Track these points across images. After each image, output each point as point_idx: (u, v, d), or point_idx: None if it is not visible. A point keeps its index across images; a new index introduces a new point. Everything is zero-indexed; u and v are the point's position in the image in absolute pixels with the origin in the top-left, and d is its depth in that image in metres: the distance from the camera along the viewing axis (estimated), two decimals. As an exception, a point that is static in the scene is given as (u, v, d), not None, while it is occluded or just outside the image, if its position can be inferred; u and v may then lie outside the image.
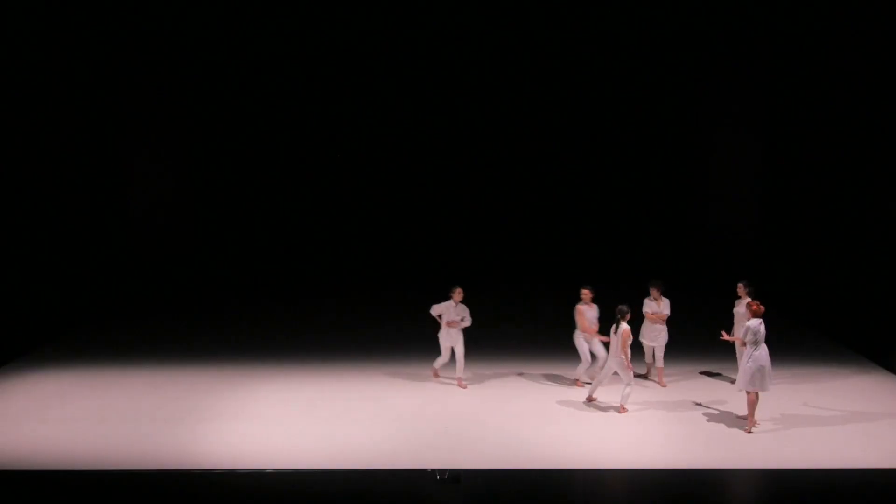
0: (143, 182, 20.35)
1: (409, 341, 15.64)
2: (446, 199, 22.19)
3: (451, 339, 13.14)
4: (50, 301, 16.06)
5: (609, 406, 12.27)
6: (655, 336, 13.18)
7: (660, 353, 13.24)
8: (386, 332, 16.41)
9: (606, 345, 12.46)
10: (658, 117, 21.58)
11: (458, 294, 13.02)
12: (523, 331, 16.68)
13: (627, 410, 12.08)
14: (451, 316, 13.03)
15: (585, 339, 12.98)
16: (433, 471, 9.92)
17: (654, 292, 13.16)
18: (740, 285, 12.71)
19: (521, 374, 13.94)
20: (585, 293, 13.02)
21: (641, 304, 13.19)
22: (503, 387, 13.33)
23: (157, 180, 20.61)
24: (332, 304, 18.98)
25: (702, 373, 13.84)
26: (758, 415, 11.47)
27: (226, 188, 21.94)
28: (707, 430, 11.51)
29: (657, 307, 13.13)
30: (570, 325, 13.43)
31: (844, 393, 12.98)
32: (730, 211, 20.88)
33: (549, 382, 13.49)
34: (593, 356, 12.98)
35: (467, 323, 13.07)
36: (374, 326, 16.81)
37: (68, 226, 17.09)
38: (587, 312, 12.92)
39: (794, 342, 15.63)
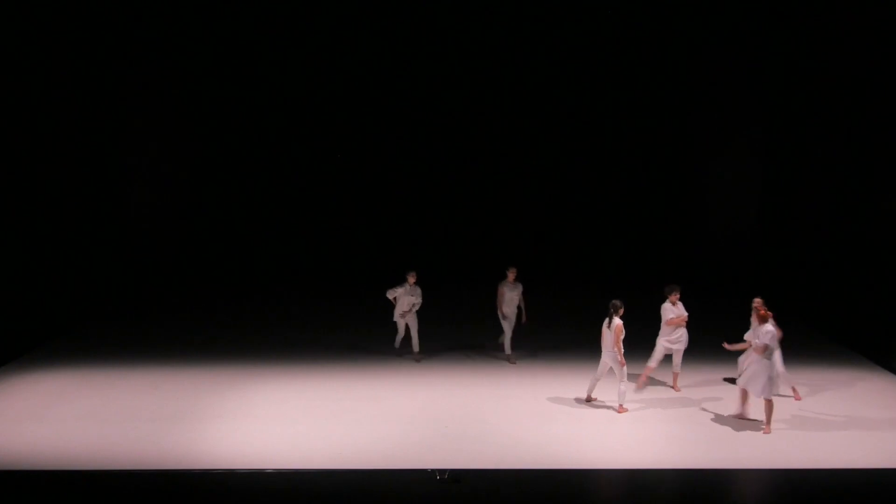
0: (143, 182, 20.36)
1: (409, 341, 15.66)
2: (448, 202, 22.25)
3: (404, 318, 14.54)
4: (50, 301, 16.06)
5: (609, 405, 12.28)
6: (677, 339, 12.94)
7: (678, 358, 13.01)
8: (386, 332, 16.38)
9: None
10: (658, 120, 21.65)
11: (412, 277, 14.39)
12: (524, 331, 16.68)
13: (627, 410, 12.09)
14: (406, 297, 14.36)
15: (504, 315, 14.34)
16: (433, 471, 9.92)
17: (673, 297, 12.92)
18: (758, 301, 12.18)
19: (520, 375, 13.94)
20: (510, 272, 14.30)
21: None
22: (503, 386, 13.33)
23: (157, 180, 20.62)
24: (333, 304, 18.97)
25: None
26: (757, 415, 11.53)
27: (226, 188, 22.00)
28: (707, 430, 11.51)
29: (678, 311, 12.89)
30: (570, 326, 13.53)
31: (845, 394, 12.98)
32: (730, 212, 20.89)
33: (550, 382, 13.47)
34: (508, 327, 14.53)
35: (418, 305, 14.43)
36: (374, 326, 16.78)
37: (68, 226, 17.08)
38: (507, 292, 14.19)
39: (795, 342, 15.57)
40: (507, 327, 14.44)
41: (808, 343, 15.85)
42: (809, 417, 11.94)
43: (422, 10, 20.71)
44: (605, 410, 12.20)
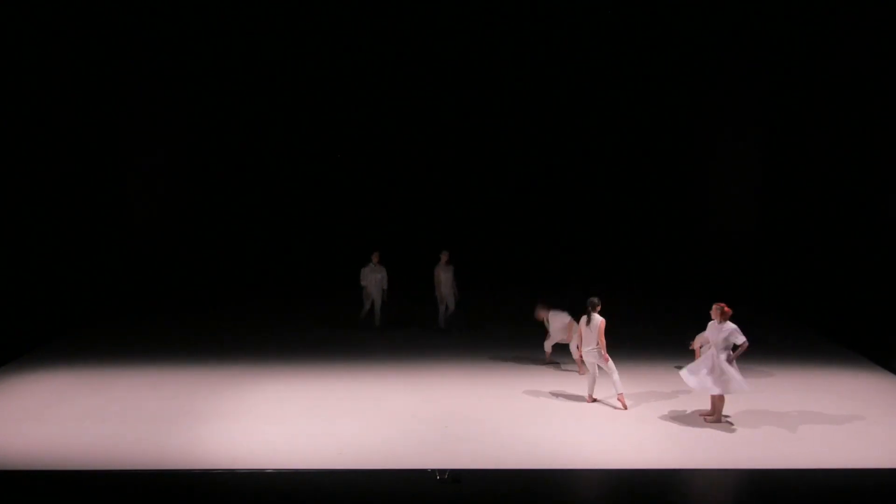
0: (143, 183, 20.37)
1: (409, 341, 15.66)
2: (447, 203, 22.28)
3: (371, 296, 16.13)
4: (50, 301, 16.06)
5: (609, 404, 12.28)
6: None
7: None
8: (385, 331, 16.41)
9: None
10: (658, 119, 21.68)
11: (375, 256, 16.07)
12: (524, 332, 16.68)
13: (626, 406, 12.09)
14: (371, 275, 15.94)
15: (440, 296, 16.11)
16: (433, 471, 9.91)
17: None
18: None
19: (521, 374, 13.94)
20: (443, 255, 15.98)
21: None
22: (502, 386, 13.32)
23: (157, 181, 20.63)
24: (332, 303, 18.96)
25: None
26: (758, 414, 11.56)
27: (225, 188, 22.03)
28: (707, 430, 11.50)
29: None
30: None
31: (844, 393, 12.97)
32: (730, 212, 20.89)
33: (550, 382, 13.48)
34: (448, 307, 16.21)
35: (385, 282, 16.06)
36: (373, 326, 16.78)
37: (69, 226, 17.08)
38: (441, 274, 15.91)
39: (794, 342, 15.63)
40: (441, 306, 16.15)
41: (807, 343, 15.86)
42: (809, 417, 11.93)
43: (421, 10, 20.74)
44: (605, 410, 12.20)
